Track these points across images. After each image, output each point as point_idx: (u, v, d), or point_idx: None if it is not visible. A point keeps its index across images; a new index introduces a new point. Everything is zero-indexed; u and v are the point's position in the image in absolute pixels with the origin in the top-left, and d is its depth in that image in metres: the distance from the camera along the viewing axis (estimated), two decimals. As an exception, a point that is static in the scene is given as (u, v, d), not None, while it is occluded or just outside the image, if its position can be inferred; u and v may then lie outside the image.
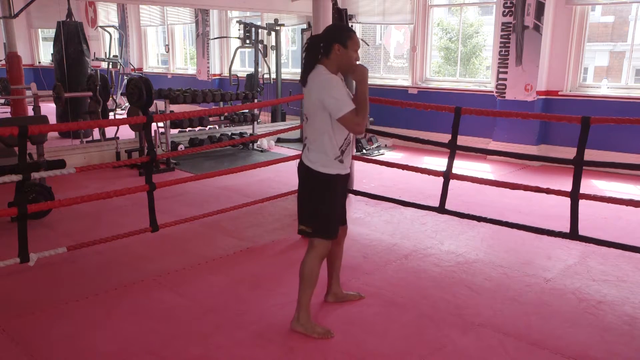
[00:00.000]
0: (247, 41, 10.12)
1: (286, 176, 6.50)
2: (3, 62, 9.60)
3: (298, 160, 3.01)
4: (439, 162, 6.96)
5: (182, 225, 4.42)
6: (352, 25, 9.54)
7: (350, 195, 5.28)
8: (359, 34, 9.97)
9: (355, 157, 5.25)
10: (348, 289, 3.48)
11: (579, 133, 3.59)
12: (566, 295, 3.51)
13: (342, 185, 2.97)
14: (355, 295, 3.44)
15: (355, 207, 5.35)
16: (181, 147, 7.67)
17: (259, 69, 10.25)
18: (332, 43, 2.76)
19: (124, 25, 14.15)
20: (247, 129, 8.93)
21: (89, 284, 3.64)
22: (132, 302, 3.41)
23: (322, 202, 2.89)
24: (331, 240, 2.96)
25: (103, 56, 13.14)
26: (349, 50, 2.77)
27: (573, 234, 3.71)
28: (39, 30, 16.42)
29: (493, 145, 7.86)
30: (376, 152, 8.19)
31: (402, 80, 9.64)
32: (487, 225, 4.43)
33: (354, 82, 2.92)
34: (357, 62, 2.84)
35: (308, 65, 2.84)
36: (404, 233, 4.69)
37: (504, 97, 7.73)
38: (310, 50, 2.84)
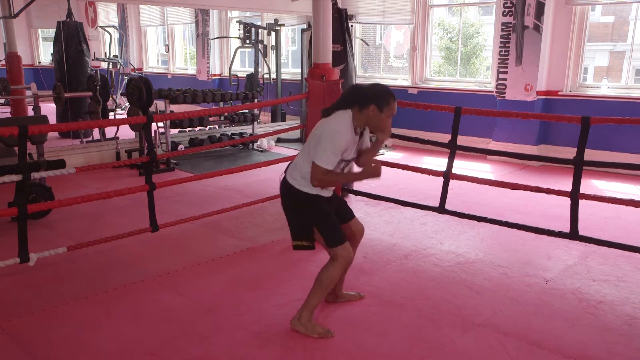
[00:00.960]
0: (247, 41, 10.11)
1: (286, 176, 6.50)
2: (3, 62, 9.62)
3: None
4: (439, 162, 6.95)
5: (182, 225, 4.42)
6: (351, 26, 9.53)
7: (350, 195, 5.29)
8: (358, 34, 9.99)
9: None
10: (348, 289, 3.48)
11: (579, 133, 3.59)
12: (566, 295, 3.51)
13: (327, 200, 2.98)
14: (356, 295, 3.44)
15: (355, 207, 5.32)
16: (181, 147, 7.67)
17: (259, 69, 10.25)
18: (370, 102, 2.82)
19: (124, 25, 14.15)
20: (247, 129, 8.93)
21: (89, 284, 3.64)
22: (132, 302, 3.41)
23: (314, 215, 2.93)
24: (345, 244, 2.95)
25: (103, 56, 13.12)
26: (383, 115, 2.85)
27: (573, 234, 3.71)
28: (39, 30, 16.41)
29: (493, 145, 7.86)
30: (376, 152, 8.18)
31: (402, 80, 9.64)
32: (487, 225, 4.44)
33: (368, 137, 3.05)
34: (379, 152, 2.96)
35: (340, 104, 2.90)
36: (404, 233, 4.69)
37: (504, 97, 7.72)
38: (350, 93, 2.92)
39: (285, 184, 2.99)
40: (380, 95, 2.86)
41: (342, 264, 2.94)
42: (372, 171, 2.88)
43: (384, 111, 2.84)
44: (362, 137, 2.99)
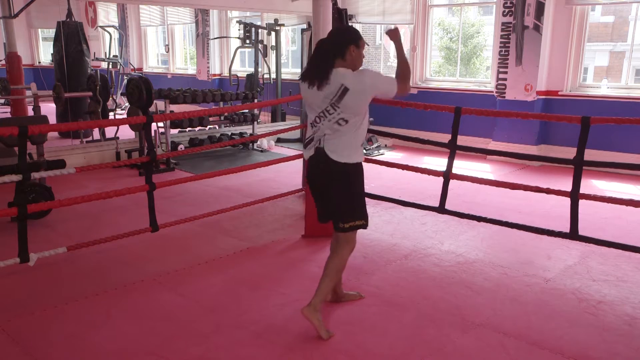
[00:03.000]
0: (247, 41, 10.12)
1: (286, 176, 6.50)
2: (3, 62, 9.61)
3: (307, 160, 3.00)
4: (439, 162, 6.95)
5: (182, 225, 4.42)
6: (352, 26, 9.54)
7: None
8: (359, 34, 9.99)
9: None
10: (348, 289, 3.48)
11: (579, 133, 3.58)
12: (566, 295, 3.51)
13: None
14: (356, 295, 3.44)
15: (355, 207, 5.34)
16: (181, 147, 7.67)
17: (259, 69, 10.25)
18: (347, 45, 2.87)
19: (124, 25, 14.15)
20: (247, 129, 8.93)
21: (89, 284, 3.64)
22: (132, 302, 3.41)
23: (362, 192, 3.07)
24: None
25: (103, 56, 13.13)
26: (361, 49, 2.93)
27: (573, 234, 3.71)
28: (39, 30, 16.42)
29: (493, 145, 7.86)
30: (376, 152, 8.19)
31: (402, 80, 9.62)
32: (487, 225, 4.43)
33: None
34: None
35: (323, 69, 2.84)
36: (404, 233, 4.69)
37: (504, 97, 7.73)
38: (322, 54, 2.89)
39: (329, 163, 2.89)
40: (350, 34, 2.94)
41: (350, 248, 3.04)
42: (394, 32, 3.11)
43: (360, 46, 2.92)
44: None
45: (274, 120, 10.19)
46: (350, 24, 9.33)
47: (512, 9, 7.46)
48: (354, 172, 2.98)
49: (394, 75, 3.05)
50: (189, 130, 8.44)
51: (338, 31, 3.07)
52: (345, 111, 2.85)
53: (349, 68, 2.89)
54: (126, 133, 8.35)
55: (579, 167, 3.61)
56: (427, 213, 4.98)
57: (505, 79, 7.69)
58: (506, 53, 7.62)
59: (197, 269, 3.92)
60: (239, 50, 10.97)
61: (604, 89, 7.37)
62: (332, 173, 2.93)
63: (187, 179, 4.64)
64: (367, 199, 5.23)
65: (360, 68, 2.96)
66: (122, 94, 11.68)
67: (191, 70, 13.73)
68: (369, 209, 5.31)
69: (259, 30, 10.11)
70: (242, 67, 12.97)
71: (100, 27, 13.85)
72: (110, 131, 8.41)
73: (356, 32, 2.98)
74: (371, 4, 9.52)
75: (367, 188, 5.64)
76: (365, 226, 3.08)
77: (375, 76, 2.94)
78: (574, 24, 7.37)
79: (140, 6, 14.05)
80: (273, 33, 10.03)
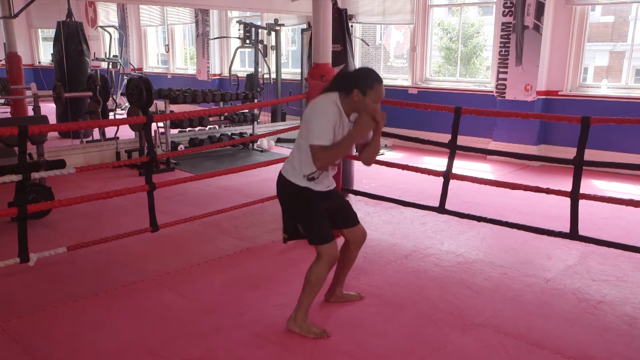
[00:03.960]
0: (247, 41, 10.12)
1: (286, 176, 6.50)
2: (3, 62, 9.62)
3: None
4: (439, 162, 6.95)
5: (182, 225, 4.41)
6: (351, 26, 9.53)
7: (351, 195, 5.28)
8: (359, 34, 9.98)
9: (355, 157, 5.25)
10: (348, 289, 3.48)
11: (579, 133, 3.58)
12: (566, 295, 3.51)
13: (320, 196, 2.94)
14: (356, 295, 3.44)
15: (355, 207, 5.29)
16: (181, 147, 7.67)
17: (259, 69, 10.25)
18: (353, 86, 2.77)
19: (124, 25, 14.15)
20: (247, 129, 8.93)
21: (89, 284, 3.64)
22: (132, 302, 3.41)
23: (299, 209, 2.95)
24: (330, 243, 2.91)
25: (103, 56, 13.13)
26: (367, 98, 2.76)
27: (573, 234, 3.71)
28: (39, 30, 16.42)
29: (493, 145, 7.86)
30: (376, 152, 8.18)
31: (402, 80, 9.64)
32: (487, 225, 4.43)
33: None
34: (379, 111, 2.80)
35: (328, 88, 2.88)
36: (404, 233, 4.69)
37: (504, 97, 7.73)
38: (337, 79, 2.90)
39: (279, 176, 3.02)
40: (362, 78, 2.79)
41: (326, 263, 2.91)
42: (363, 122, 2.75)
43: (368, 94, 2.75)
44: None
45: (274, 120, 10.19)
46: (350, 24, 9.32)
47: (512, 9, 7.46)
48: (292, 193, 2.94)
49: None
50: (189, 130, 8.44)
51: (358, 70, 2.94)
52: (302, 130, 2.90)
53: (349, 107, 2.80)
54: (126, 133, 8.35)
55: (579, 167, 3.61)
56: (427, 213, 4.98)
57: (505, 79, 7.69)
58: (506, 53, 7.62)
59: (197, 269, 3.93)
60: (239, 50, 10.97)
61: (604, 89, 7.37)
62: (277, 184, 3.05)
63: (187, 179, 4.63)
64: (367, 199, 5.29)
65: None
66: (122, 94, 11.68)
67: (191, 70, 13.73)
68: (369, 209, 5.38)
69: (259, 30, 10.11)
70: (242, 67, 12.97)
71: (100, 27, 13.84)
72: (110, 131, 8.41)
73: (370, 79, 2.76)
74: (371, 4, 9.52)
75: (367, 188, 5.68)
76: (284, 240, 3.27)
77: (315, 112, 2.78)
78: (574, 24, 7.37)
79: (140, 6, 14.05)
80: (273, 33, 10.03)
